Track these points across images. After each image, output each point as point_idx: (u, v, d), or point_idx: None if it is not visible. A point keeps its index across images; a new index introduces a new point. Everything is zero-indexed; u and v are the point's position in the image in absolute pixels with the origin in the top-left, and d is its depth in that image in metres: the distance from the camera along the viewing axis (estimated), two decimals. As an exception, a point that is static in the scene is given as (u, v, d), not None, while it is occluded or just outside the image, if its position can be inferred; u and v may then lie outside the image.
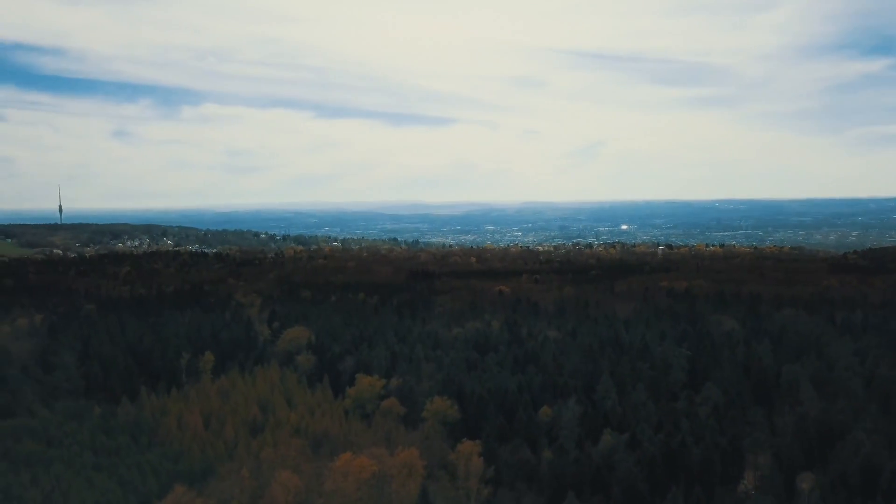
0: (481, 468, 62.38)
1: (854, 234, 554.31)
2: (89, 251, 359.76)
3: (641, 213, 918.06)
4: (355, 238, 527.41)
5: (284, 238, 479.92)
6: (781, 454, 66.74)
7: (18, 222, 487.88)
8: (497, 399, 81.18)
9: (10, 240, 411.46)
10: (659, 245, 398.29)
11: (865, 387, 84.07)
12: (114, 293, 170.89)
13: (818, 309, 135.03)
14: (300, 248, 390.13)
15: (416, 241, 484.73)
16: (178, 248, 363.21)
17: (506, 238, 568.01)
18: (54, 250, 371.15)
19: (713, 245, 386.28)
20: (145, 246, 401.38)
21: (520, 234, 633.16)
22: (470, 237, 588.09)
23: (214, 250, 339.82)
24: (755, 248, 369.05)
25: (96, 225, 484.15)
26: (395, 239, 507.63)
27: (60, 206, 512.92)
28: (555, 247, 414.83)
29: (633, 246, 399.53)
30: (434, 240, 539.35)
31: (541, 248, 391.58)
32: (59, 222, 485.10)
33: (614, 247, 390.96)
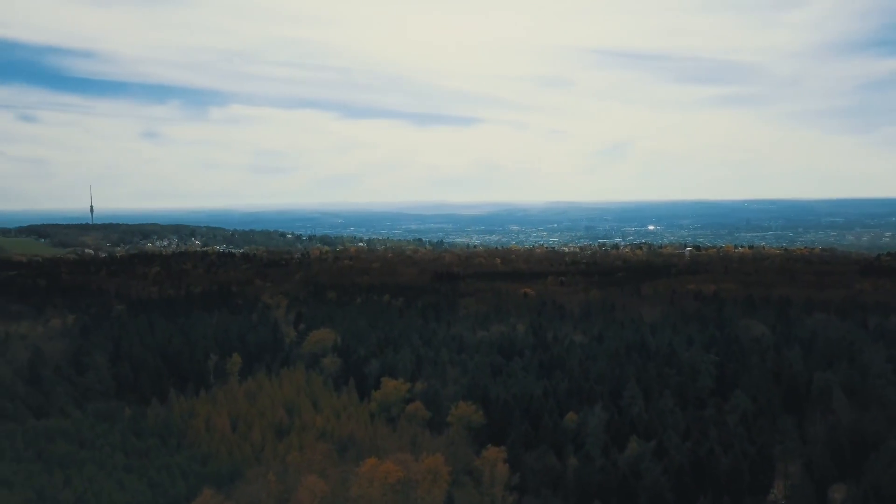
0: (506, 475, 62.22)
1: (888, 234, 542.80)
2: (120, 251, 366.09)
3: (668, 214, 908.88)
4: (380, 238, 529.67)
5: (310, 238, 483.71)
6: (812, 464, 65.50)
7: (51, 222, 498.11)
8: (522, 404, 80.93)
9: (43, 240, 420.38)
10: (686, 246, 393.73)
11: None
12: (143, 294, 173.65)
13: (850, 314, 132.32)
14: (326, 248, 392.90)
15: (441, 242, 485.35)
16: (205, 249, 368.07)
17: (531, 238, 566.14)
18: (86, 250, 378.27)
19: (742, 246, 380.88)
20: (174, 246, 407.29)
21: (545, 234, 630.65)
22: (494, 237, 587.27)
23: (241, 250, 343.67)
24: (785, 249, 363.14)
25: (126, 225, 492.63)
26: (419, 239, 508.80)
27: (92, 207, 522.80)
28: (580, 247, 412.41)
29: (660, 247, 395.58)
30: (458, 240, 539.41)
31: (566, 249, 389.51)
32: (90, 222, 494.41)
33: (641, 248, 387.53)
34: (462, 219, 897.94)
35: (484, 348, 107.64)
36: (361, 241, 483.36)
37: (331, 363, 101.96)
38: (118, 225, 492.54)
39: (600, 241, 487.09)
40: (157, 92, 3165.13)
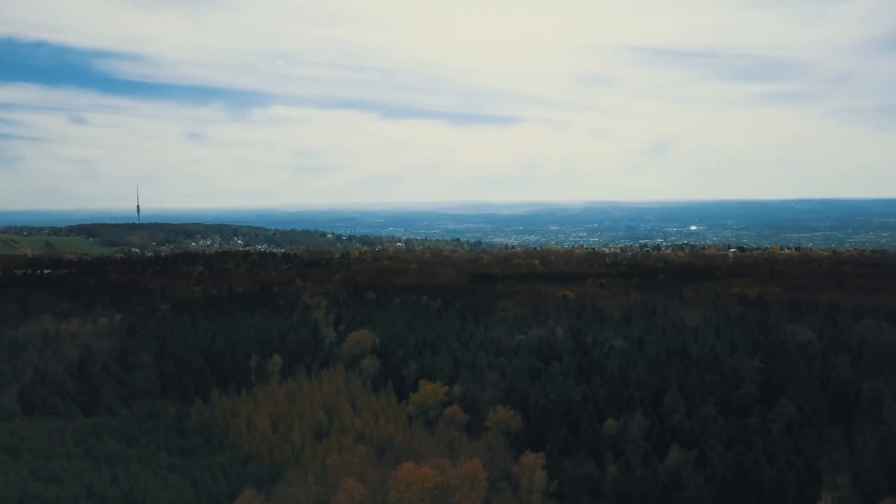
0: (545, 482, 61.82)
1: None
2: (165, 250, 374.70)
3: (712, 214, 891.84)
4: (418, 238, 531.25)
5: (350, 238, 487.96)
6: (862, 477, 63.54)
7: (100, 222, 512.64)
8: (561, 410, 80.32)
9: (92, 239, 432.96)
10: (730, 247, 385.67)
11: (955, 406, 79.34)
12: (187, 293, 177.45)
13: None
14: (365, 248, 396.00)
15: (479, 242, 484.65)
16: (247, 248, 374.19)
17: (570, 239, 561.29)
18: (132, 249, 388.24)
19: (788, 248, 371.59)
20: (217, 245, 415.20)
21: (585, 234, 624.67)
22: (533, 237, 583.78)
23: (283, 250, 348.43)
24: (833, 251, 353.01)
25: (171, 224, 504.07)
26: (457, 239, 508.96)
27: (138, 206, 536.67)
28: (621, 248, 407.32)
29: (703, 248, 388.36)
30: (497, 240, 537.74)
31: (606, 250, 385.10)
32: (136, 222, 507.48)
33: (683, 249, 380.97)
34: (501, 219, 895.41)
35: (522, 352, 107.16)
36: (400, 241, 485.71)
37: (370, 364, 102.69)
38: (163, 224, 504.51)
39: (641, 241, 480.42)
40: (201, 94, 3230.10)
